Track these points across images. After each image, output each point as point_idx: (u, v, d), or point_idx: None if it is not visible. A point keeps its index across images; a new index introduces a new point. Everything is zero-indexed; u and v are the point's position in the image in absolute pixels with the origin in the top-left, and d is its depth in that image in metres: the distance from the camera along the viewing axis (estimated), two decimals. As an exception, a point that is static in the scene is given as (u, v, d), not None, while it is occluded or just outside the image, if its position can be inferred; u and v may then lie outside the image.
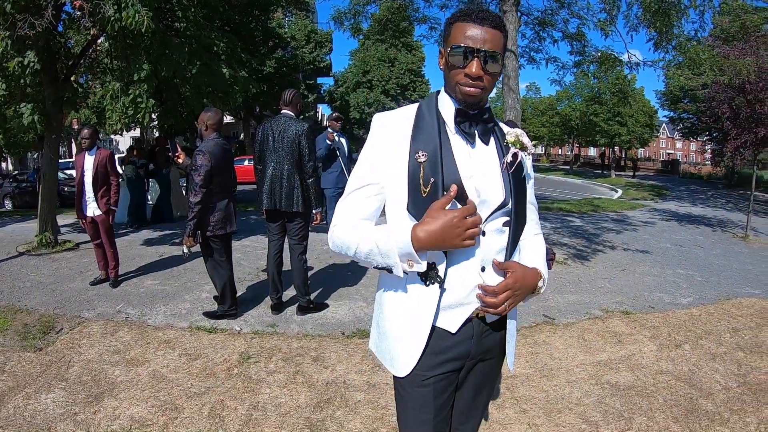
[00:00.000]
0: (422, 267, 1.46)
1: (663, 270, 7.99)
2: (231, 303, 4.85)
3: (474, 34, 1.47)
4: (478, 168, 1.56)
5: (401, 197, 1.55)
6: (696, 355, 4.69)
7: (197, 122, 4.77)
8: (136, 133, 19.54)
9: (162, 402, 3.42)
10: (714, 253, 9.87)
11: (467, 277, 1.55)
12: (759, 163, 13.01)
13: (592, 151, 62.34)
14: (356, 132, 38.76)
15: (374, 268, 1.54)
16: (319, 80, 37.47)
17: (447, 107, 1.60)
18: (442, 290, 1.54)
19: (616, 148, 37.86)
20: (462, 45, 1.48)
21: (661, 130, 68.39)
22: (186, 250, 4.63)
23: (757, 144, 11.80)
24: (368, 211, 1.60)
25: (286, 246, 5.05)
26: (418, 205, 1.51)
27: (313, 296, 5.33)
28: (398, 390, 1.68)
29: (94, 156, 5.62)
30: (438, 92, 1.67)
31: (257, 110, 26.21)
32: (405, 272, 1.47)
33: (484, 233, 1.55)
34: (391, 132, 1.60)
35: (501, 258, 1.59)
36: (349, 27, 9.70)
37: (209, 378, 3.77)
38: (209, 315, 4.86)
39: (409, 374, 1.60)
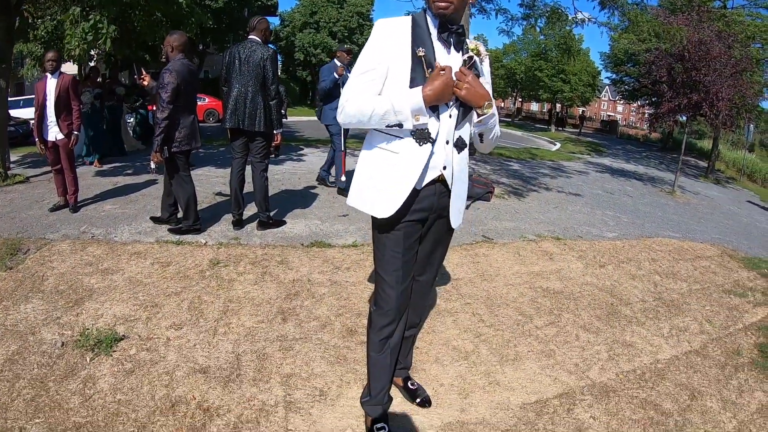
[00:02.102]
0: (427, 119, 2.01)
1: (593, 210, 8.64)
2: (195, 217, 5.05)
3: None
4: (452, 66, 2.05)
5: (404, 80, 2.04)
6: (617, 274, 5.28)
7: (163, 44, 4.92)
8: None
9: (142, 301, 3.61)
10: (641, 202, 10.68)
11: (440, 147, 2.12)
12: (695, 134, 13.94)
13: (534, 107, 63.83)
14: (300, 74, 37.85)
15: (386, 126, 2.03)
16: (254, 17, 35.94)
17: (432, 21, 2.10)
18: (432, 153, 2.09)
19: (558, 105, 38.98)
20: None
21: (603, 93, 70.56)
22: (153, 166, 4.78)
23: (691, 108, 12.65)
24: (374, 91, 2.06)
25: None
26: (420, 84, 2.01)
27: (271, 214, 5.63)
28: (376, 233, 2.25)
29: (57, 80, 5.56)
30: (425, 10, 2.15)
31: (201, 47, 25.19)
32: (412, 127, 2.01)
33: (450, 116, 2.10)
34: (394, 31, 2.08)
35: (464, 135, 2.21)
36: None
37: (183, 280, 3.99)
38: (174, 231, 5.03)
39: (388, 219, 2.12)
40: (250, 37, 5.04)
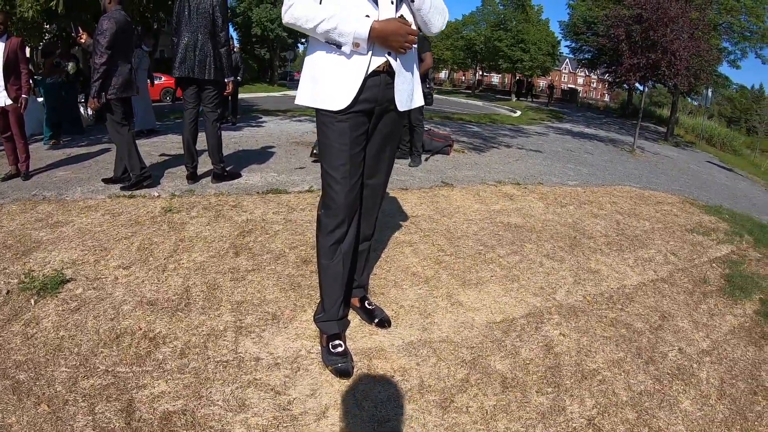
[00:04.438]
0: (364, 51, 2.03)
1: (553, 163, 8.67)
2: (141, 164, 4.94)
3: None
4: None
5: None
6: (579, 213, 5.28)
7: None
8: None
9: (90, 246, 3.46)
10: (602, 159, 10.79)
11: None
12: (654, 104, 14.26)
13: (495, 80, 64.43)
14: (258, 52, 37.18)
15: (324, 41, 2.06)
16: None
17: None
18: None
19: (518, 76, 39.34)
20: None
21: (564, 66, 71.66)
22: (90, 112, 4.64)
23: (649, 68, 12.85)
24: None
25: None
26: None
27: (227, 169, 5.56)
28: (322, 128, 2.19)
29: (4, 43, 5.26)
30: None
31: (155, 27, 24.24)
32: (348, 52, 2.03)
33: (392, 2, 2.06)
34: None
35: (406, 15, 2.14)
36: None
37: (134, 225, 3.86)
38: (126, 188, 4.88)
39: (336, 111, 2.10)
40: None
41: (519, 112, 25.23)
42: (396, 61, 2.13)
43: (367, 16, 2.01)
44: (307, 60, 2.21)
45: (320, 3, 2.05)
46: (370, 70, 2.09)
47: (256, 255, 3.38)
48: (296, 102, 2.25)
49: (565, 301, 3.25)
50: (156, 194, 4.75)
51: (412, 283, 3.13)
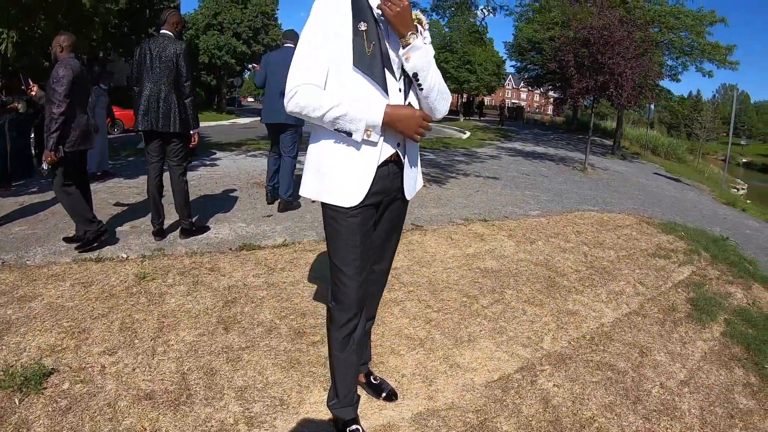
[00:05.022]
0: (376, 138, 1.99)
1: (513, 192, 8.95)
2: (96, 221, 4.69)
3: None
4: (395, 44, 2.06)
5: (347, 58, 1.99)
6: (549, 248, 5.50)
7: (51, 46, 4.64)
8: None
9: (67, 328, 3.26)
10: (557, 181, 11.20)
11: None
12: (598, 115, 14.93)
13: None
14: (204, 79, 36.87)
15: (334, 129, 1.98)
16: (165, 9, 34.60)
17: None
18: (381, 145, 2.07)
19: (465, 96, 40.25)
20: None
21: (507, 82, 73.69)
22: (45, 167, 4.39)
23: (597, 89, 13.49)
24: (323, 73, 2.00)
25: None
26: (363, 62, 1.99)
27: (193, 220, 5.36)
28: (330, 222, 2.14)
29: None
30: None
31: (102, 54, 23.88)
32: (360, 140, 1.98)
33: (400, 90, 2.07)
34: (333, 7, 2.02)
35: (413, 104, 2.13)
36: None
37: (110, 299, 3.67)
38: (82, 247, 4.61)
39: (347, 207, 2.05)
40: (161, 31, 4.84)
41: (468, 133, 25.70)
42: (405, 150, 2.13)
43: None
44: (312, 149, 2.16)
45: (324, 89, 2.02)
46: (380, 161, 2.07)
47: (246, 329, 3.33)
48: (301, 193, 2.18)
49: (552, 349, 3.40)
50: (124, 255, 4.57)
51: (409, 348, 3.21)
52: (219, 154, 11.40)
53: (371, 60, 1.98)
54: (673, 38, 20.46)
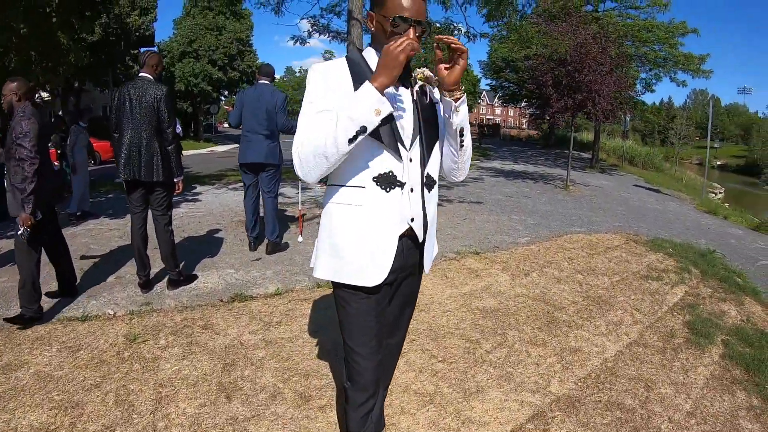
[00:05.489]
0: (388, 107, 1.77)
1: (499, 217, 9.01)
2: (38, 302, 4.26)
3: (409, 5, 1.85)
4: (401, 107, 1.97)
5: None
6: (543, 280, 5.52)
7: (3, 94, 4.22)
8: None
9: (59, 402, 3.13)
10: (541, 201, 11.31)
11: (406, 196, 1.98)
12: (573, 128, 15.19)
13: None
14: (180, 106, 36.87)
15: (349, 142, 1.76)
16: (143, 50, 34.44)
17: (375, 61, 1.92)
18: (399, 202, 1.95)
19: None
20: (404, 16, 1.84)
21: (481, 98, 74.70)
22: (24, 233, 4.02)
23: (576, 108, 13.73)
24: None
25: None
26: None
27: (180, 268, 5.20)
28: (344, 303, 2.05)
29: None
30: (360, 50, 2.05)
31: (77, 84, 23.73)
32: (378, 122, 1.78)
33: (411, 160, 1.97)
34: (334, 73, 1.94)
35: (433, 170, 2.10)
36: None
37: (101, 366, 3.53)
38: (17, 322, 4.17)
39: (371, 285, 1.95)
40: (140, 74, 4.68)
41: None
42: (422, 224, 2.03)
43: (391, 171, 1.92)
44: (324, 226, 2.07)
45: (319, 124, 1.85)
46: (401, 232, 1.97)
47: (249, 396, 3.23)
48: (315, 275, 2.07)
49: (560, 392, 3.39)
50: (111, 312, 4.43)
51: (419, 405, 3.16)
52: (200, 189, 11.35)
53: (380, 126, 1.85)
54: (647, 51, 20.99)
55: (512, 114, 79.95)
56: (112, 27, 22.53)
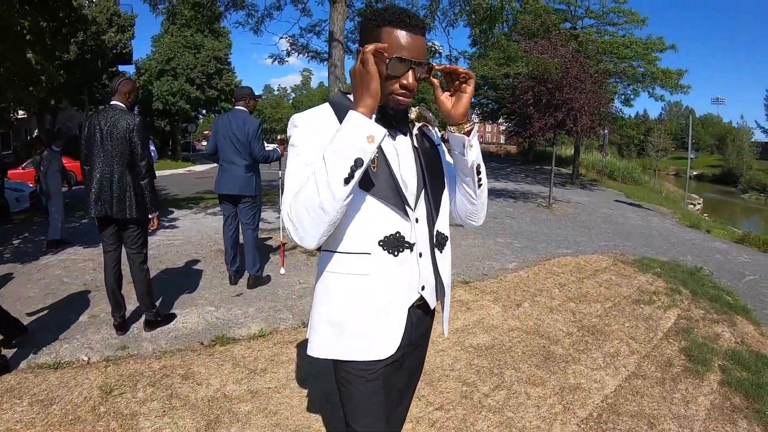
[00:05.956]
0: (382, 130, 1.50)
1: (485, 240, 8.91)
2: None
3: (408, 43, 1.59)
4: (401, 157, 1.73)
5: None
6: (536, 310, 5.41)
7: None
8: None
9: None
10: (525, 221, 11.29)
11: (414, 260, 1.73)
12: (550, 143, 15.28)
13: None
14: (158, 124, 36.66)
15: (345, 182, 1.48)
16: (121, 68, 33.77)
17: None
18: (416, 261, 1.72)
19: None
20: (401, 57, 1.57)
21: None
22: None
23: (556, 126, 13.77)
24: None
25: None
26: (367, 180, 1.63)
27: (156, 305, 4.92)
28: (347, 384, 1.76)
29: None
30: (344, 93, 1.77)
31: (53, 102, 23.40)
32: (374, 151, 1.51)
33: (417, 220, 1.73)
34: (320, 123, 1.68)
35: (443, 226, 1.83)
36: (164, 10, 9.23)
37: (76, 424, 3.30)
38: None
39: (378, 359, 1.70)
40: (111, 103, 4.42)
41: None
42: (434, 290, 1.79)
43: (398, 232, 1.67)
44: (320, 293, 1.79)
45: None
46: (410, 303, 1.74)
47: None
48: (312, 354, 1.78)
49: (563, 437, 3.29)
50: (85, 358, 4.18)
51: (418, 461, 3.03)
52: (177, 214, 11.10)
53: (376, 175, 1.64)
54: (625, 67, 21.32)
55: (490, 130, 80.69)
56: (88, 45, 22.22)
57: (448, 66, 1.68)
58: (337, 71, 8.50)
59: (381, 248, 1.67)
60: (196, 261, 7.01)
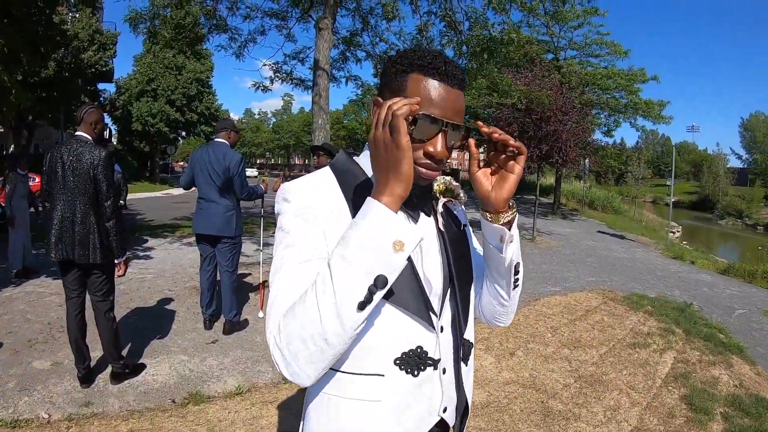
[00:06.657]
0: (414, 235, 1.04)
1: (472, 277, 8.70)
2: None
3: (441, 98, 1.17)
4: (424, 247, 1.29)
5: None
6: (530, 360, 5.16)
7: None
8: None
9: None
10: (511, 256, 11.13)
11: (437, 378, 1.29)
12: (539, 178, 15.27)
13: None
14: (137, 145, 36.26)
15: (359, 308, 1.01)
16: (101, 86, 33.18)
17: None
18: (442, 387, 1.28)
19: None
20: (432, 115, 1.14)
21: (436, 141, 76.71)
22: None
23: (542, 158, 13.71)
24: None
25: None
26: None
27: (124, 352, 4.61)
28: None
29: None
30: (351, 154, 1.37)
31: (30, 118, 22.96)
32: (403, 263, 1.04)
33: (442, 329, 1.28)
34: (321, 202, 1.21)
35: (469, 333, 1.40)
36: (144, 30, 9.01)
37: None
38: None
39: None
40: (76, 134, 4.00)
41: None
42: (456, 410, 1.34)
43: (419, 347, 1.22)
44: (318, 421, 1.29)
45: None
46: (429, 428, 1.28)
47: None
48: None
49: None
50: (46, 416, 3.78)
51: None
52: (151, 242, 10.71)
53: (396, 280, 1.06)
54: (608, 99, 21.60)
55: (467, 157, 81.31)
56: (66, 62, 21.85)
57: (497, 133, 1.21)
58: (322, 101, 8.28)
59: (398, 368, 1.22)
60: (170, 300, 6.62)
